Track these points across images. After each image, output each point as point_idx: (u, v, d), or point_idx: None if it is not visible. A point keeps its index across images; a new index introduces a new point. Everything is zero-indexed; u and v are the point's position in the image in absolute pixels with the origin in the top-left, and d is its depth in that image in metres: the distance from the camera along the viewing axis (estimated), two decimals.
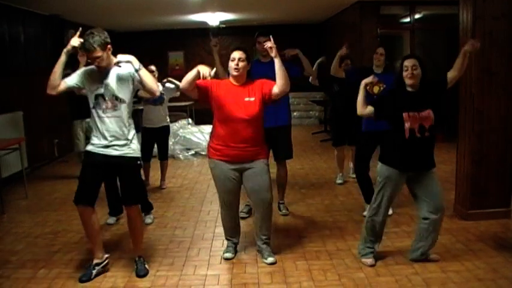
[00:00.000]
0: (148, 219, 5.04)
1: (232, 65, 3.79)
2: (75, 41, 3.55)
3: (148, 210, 5.10)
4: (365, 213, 5.00)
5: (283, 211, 5.17)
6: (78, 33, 3.62)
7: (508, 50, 4.54)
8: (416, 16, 9.30)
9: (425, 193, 3.69)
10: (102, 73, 3.62)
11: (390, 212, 4.74)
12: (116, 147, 3.64)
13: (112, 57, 3.66)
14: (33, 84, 7.96)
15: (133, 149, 3.73)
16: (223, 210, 4.06)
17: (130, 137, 3.72)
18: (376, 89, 4.72)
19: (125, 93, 3.65)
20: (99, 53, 3.49)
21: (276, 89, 3.77)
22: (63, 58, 3.57)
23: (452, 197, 5.06)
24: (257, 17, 11.27)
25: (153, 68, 5.95)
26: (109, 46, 3.58)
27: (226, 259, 4.01)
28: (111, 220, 5.02)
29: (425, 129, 3.58)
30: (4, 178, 6.43)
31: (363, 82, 3.84)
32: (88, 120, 6.75)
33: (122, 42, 12.73)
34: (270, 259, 3.92)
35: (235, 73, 3.79)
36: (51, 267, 3.93)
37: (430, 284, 3.44)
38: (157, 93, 3.76)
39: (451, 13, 6.82)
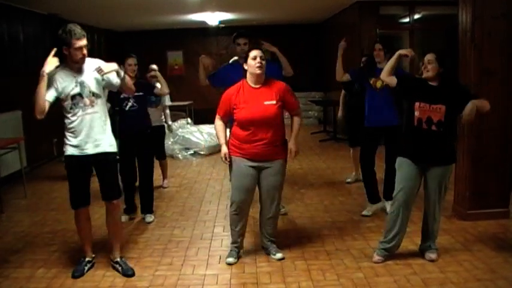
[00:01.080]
0: (149, 218, 5.07)
1: (254, 63, 3.74)
2: (54, 62, 3.49)
3: (150, 210, 5.15)
4: (364, 212, 5.02)
5: (282, 210, 5.15)
6: (53, 52, 3.53)
7: (507, 50, 4.54)
8: (416, 16, 9.31)
9: (425, 190, 3.84)
10: (73, 72, 3.60)
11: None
12: (96, 143, 3.65)
13: None
14: (32, 84, 7.88)
15: (112, 144, 3.76)
16: (235, 211, 3.92)
17: (108, 133, 3.75)
18: (379, 84, 4.77)
19: (99, 88, 3.68)
20: (85, 41, 3.52)
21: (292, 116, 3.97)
22: (44, 82, 3.49)
23: (452, 197, 5.06)
24: (256, 17, 11.27)
25: (154, 66, 5.98)
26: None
27: (229, 264, 3.91)
28: (124, 218, 5.00)
29: (433, 122, 3.62)
30: (3, 177, 6.42)
31: (399, 52, 3.91)
32: None
33: (121, 42, 12.81)
34: (279, 255, 3.95)
35: (259, 71, 3.74)
36: (50, 267, 3.93)
37: (429, 284, 3.44)
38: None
39: (451, 13, 6.83)
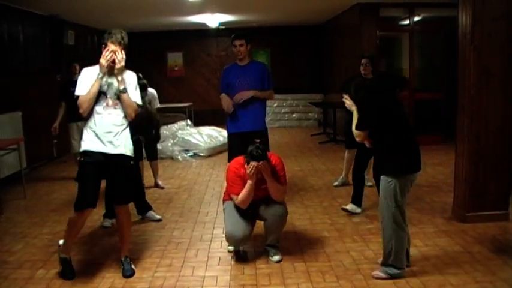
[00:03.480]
0: (156, 215, 5.13)
1: (252, 172, 3.75)
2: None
3: (147, 210, 5.15)
4: (356, 210, 5.07)
5: None
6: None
7: (507, 51, 4.55)
8: (416, 18, 9.32)
9: None
10: (106, 71, 3.64)
11: None
12: (112, 144, 3.64)
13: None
14: (32, 85, 7.97)
15: (130, 148, 3.76)
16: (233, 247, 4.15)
17: (126, 136, 3.74)
18: None
19: None
20: (117, 48, 3.61)
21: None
22: (97, 84, 3.57)
23: (451, 199, 5.06)
24: (257, 19, 11.28)
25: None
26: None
27: (229, 251, 4.13)
28: (107, 223, 4.96)
29: None
30: (3, 178, 6.43)
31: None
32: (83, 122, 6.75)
33: None
34: (276, 257, 3.96)
35: (260, 176, 3.80)
36: (49, 268, 3.92)
37: (428, 286, 3.44)
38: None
39: (451, 15, 6.84)
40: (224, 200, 4.14)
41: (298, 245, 4.30)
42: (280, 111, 12.75)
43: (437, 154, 8.10)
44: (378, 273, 3.60)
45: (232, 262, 3.99)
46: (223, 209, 4.08)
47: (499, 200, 4.74)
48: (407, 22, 9.36)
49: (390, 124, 3.46)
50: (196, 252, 4.23)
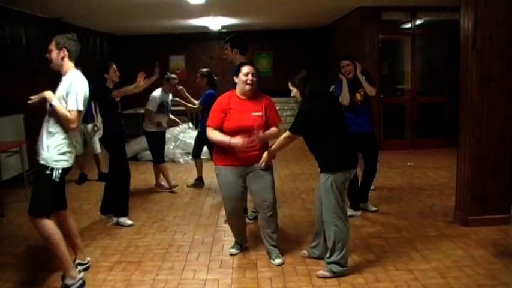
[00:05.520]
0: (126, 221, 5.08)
1: (245, 78, 3.86)
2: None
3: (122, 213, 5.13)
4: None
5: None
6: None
7: (508, 55, 4.55)
8: (418, 22, 9.32)
9: None
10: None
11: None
12: (38, 151, 3.59)
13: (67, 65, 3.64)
14: (34, 87, 7.97)
15: (44, 158, 3.51)
16: (230, 217, 4.17)
17: (47, 145, 3.59)
18: (359, 96, 5.13)
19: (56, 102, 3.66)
20: (51, 46, 3.60)
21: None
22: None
23: (453, 203, 5.06)
24: (259, 22, 11.30)
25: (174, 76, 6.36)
26: (64, 49, 3.59)
27: (231, 254, 4.18)
28: (112, 220, 5.03)
29: None
30: (4, 181, 6.43)
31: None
32: (84, 124, 6.76)
33: (123, 46, 12.84)
34: (278, 260, 3.97)
35: (248, 87, 3.87)
36: (51, 270, 3.91)
37: None
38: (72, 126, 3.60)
39: (452, 19, 6.84)
40: (215, 164, 4.06)
41: (300, 248, 4.29)
42: (282, 115, 12.66)
43: (439, 158, 8.09)
44: (322, 272, 3.70)
45: (234, 265, 3.99)
46: (217, 174, 4.04)
47: (501, 204, 4.74)
48: (409, 26, 9.36)
49: (331, 131, 3.66)
50: (197, 256, 4.23)
